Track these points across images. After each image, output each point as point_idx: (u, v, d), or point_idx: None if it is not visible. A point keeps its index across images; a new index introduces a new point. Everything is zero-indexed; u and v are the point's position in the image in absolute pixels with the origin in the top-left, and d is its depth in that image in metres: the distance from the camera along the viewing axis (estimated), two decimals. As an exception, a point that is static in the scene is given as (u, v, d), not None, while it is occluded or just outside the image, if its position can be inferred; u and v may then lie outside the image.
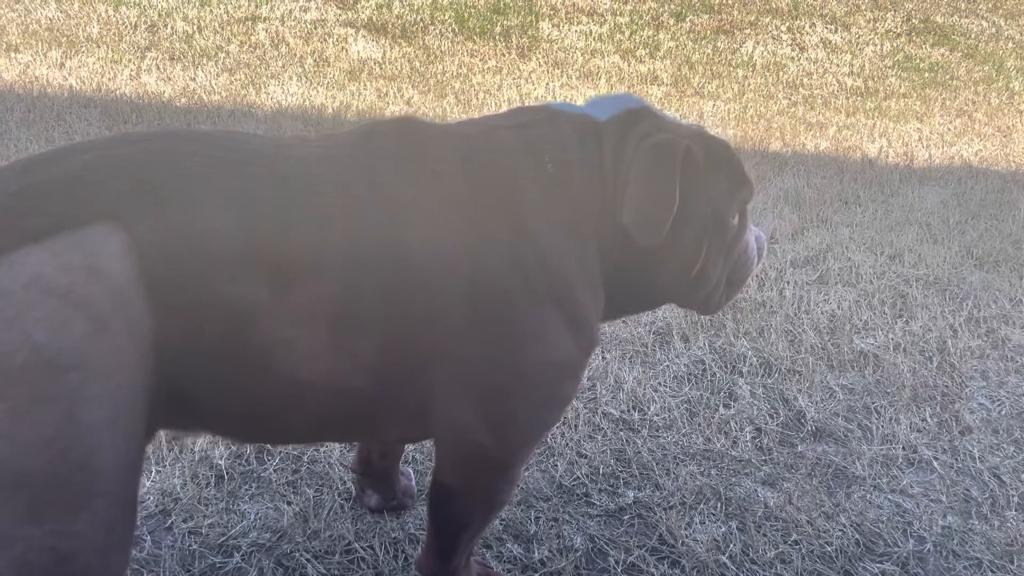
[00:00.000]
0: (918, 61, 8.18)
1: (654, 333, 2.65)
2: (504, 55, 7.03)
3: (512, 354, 1.24)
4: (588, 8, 8.35)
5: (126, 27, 6.48)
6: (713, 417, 2.25)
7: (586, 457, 2.05)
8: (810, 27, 8.61)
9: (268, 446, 1.95)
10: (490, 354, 1.22)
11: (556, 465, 2.01)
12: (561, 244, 1.26)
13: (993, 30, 9.16)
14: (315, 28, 6.99)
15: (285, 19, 7.09)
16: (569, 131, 1.34)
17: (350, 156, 1.22)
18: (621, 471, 2.01)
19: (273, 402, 1.17)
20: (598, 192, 1.31)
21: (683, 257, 1.37)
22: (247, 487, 1.85)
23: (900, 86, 7.48)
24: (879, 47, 8.38)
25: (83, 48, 5.89)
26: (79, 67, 5.45)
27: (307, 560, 1.66)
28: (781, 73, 7.49)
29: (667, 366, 2.48)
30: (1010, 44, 8.87)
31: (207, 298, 1.06)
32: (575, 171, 1.31)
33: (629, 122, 1.35)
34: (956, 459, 2.19)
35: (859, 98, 7.02)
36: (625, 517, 1.87)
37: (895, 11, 9.21)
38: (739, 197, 1.40)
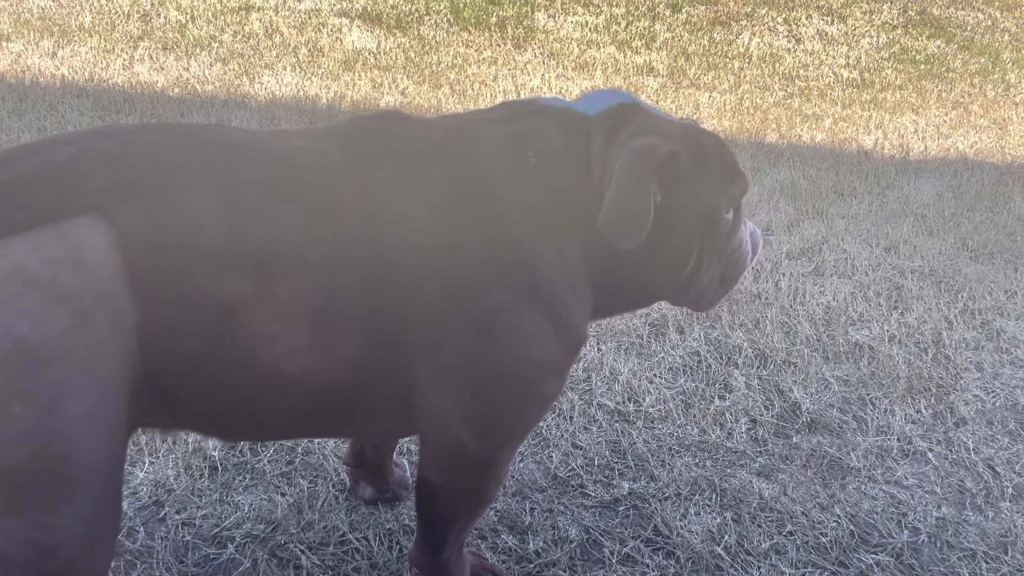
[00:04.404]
0: (914, 53, 8.17)
1: (649, 325, 2.65)
2: (499, 46, 6.99)
3: (490, 351, 1.22)
4: (584, -1, 8.31)
5: (119, 16, 6.43)
6: (708, 408, 2.25)
7: (581, 448, 2.04)
8: (806, 19, 8.59)
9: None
10: (469, 351, 1.21)
11: (551, 456, 2.00)
12: (539, 239, 1.24)
13: (989, 22, 9.15)
14: (309, 18, 6.94)
15: (279, 8, 7.04)
16: (555, 125, 1.31)
17: (332, 151, 1.21)
18: (616, 462, 2.01)
19: (255, 397, 1.16)
20: (584, 187, 1.27)
21: (672, 258, 1.35)
22: (241, 478, 1.84)
23: (896, 78, 7.47)
24: (875, 39, 8.37)
25: (75, 37, 5.84)
26: (71, 56, 5.41)
27: (301, 551, 1.65)
28: (777, 64, 7.47)
29: (662, 357, 2.48)
30: (1006, 36, 8.86)
31: (191, 292, 1.05)
32: (559, 164, 1.27)
33: (619, 119, 1.31)
34: (951, 450, 2.19)
35: (855, 90, 7.01)
36: (620, 508, 1.87)
37: (891, 3, 9.19)
38: (731, 193, 1.36)
